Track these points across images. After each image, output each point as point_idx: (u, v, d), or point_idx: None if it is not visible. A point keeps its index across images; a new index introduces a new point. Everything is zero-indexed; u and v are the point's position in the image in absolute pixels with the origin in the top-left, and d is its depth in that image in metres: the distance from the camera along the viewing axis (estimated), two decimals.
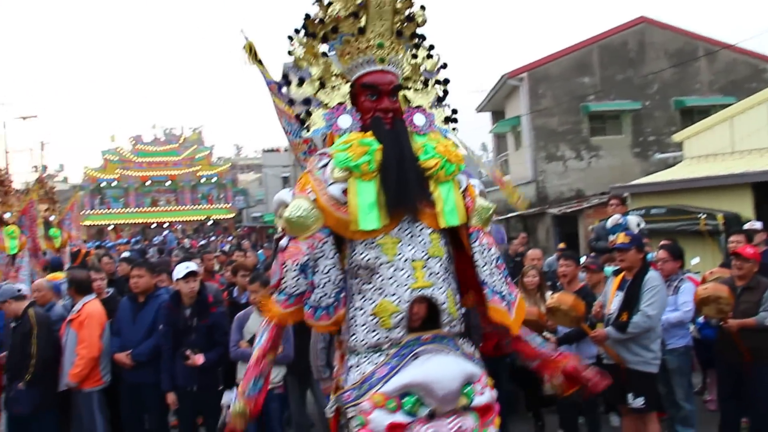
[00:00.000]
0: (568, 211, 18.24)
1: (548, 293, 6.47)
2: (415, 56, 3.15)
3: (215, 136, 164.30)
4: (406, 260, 2.81)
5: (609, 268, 6.81)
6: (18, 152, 65.81)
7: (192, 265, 5.94)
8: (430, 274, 2.83)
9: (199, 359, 5.57)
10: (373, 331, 2.78)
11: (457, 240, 3.04)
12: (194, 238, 35.70)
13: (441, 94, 3.24)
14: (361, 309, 2.81)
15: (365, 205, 2.78)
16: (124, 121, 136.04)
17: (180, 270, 5.83)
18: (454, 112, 3.26)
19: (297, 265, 2.82)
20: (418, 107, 3.10)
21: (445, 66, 3.27)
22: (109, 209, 41.03)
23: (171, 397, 5.77)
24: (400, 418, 2.64)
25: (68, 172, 53.95)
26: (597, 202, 17.35)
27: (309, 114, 3.00)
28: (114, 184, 41.40)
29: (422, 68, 3.19)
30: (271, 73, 3.63)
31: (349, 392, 2.77)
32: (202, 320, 5.74)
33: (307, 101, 3.04)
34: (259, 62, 3.53)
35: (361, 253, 2.82)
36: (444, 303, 2.85)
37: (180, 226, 41.99)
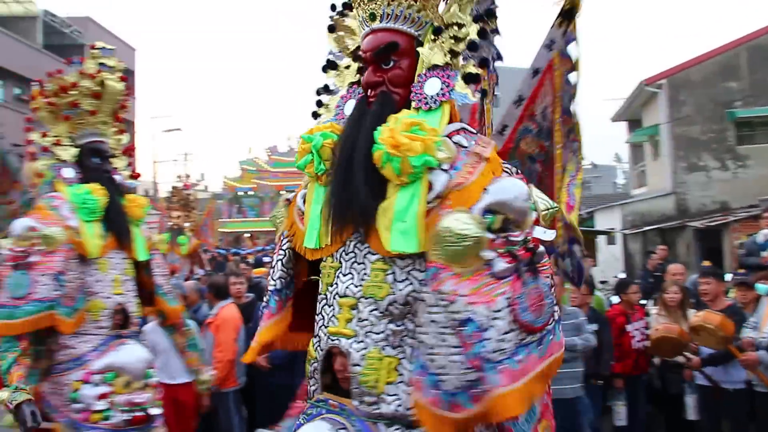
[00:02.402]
0: (712, 224, 17.26)
1: (691, 311, 6.14)
2: None
3: None
4: (336, 295, 2.08)
5: (762, 287, 6.35)
6: (164, 162, 71.60)
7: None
8: (358, 320, 2.01)
9: None
10: None
11: None
12: None
13: (476, 38, 2.13)
14: None
15: (314, 216, 2.16)
16: (262, 133, 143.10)
17: None
18: (484, 64, 2.21)
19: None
20: (434, 68, 2.12)
21: None
22: (245, 217, 42.90)
23: None
24: None
25: (209, 182, 56.96)
26: (744, 216, 16.33)
27: (320, 104, 2.47)
28: (250, 193, 43.25)
29: (452, 9, 2.16)
30: None
31: None
32: None
33: (326, 88, 2.47)
34: None
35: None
36: (358, 366, 1.99)
37: None
